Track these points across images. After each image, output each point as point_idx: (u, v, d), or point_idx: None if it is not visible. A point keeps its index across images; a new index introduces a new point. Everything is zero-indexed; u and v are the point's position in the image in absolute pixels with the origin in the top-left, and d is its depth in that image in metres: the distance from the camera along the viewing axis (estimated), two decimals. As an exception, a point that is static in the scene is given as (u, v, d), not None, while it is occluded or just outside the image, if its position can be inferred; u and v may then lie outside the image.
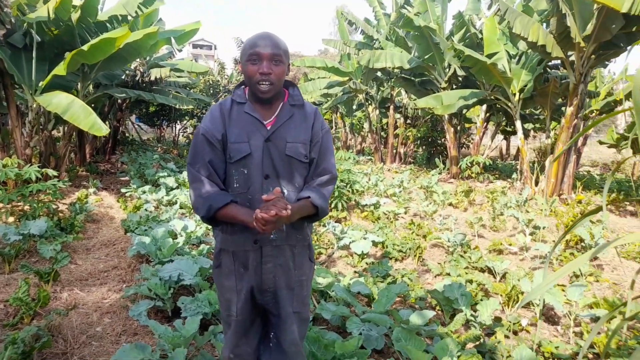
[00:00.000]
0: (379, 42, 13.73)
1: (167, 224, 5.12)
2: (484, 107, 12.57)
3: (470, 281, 3.71)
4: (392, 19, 13.53)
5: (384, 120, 17.42)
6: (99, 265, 4.31)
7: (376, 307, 2.98)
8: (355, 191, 7.40)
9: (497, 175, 12.16)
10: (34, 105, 7.54)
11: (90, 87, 10.01)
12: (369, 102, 16.24)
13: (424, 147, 16.03)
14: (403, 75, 13.42)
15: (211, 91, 17.67)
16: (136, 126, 20.37)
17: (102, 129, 6.54)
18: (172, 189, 7.93)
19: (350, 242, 4.68)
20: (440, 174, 11.98)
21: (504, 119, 14.32)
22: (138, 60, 10.79)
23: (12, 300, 2.91)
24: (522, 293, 3.46)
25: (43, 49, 7.48)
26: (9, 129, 8.00)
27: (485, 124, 13.33)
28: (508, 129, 16.88)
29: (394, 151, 15.79)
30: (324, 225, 5.41)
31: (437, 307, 3.39)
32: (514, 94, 9.86)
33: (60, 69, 6.61)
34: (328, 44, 15.69)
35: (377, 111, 16.28)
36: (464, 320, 2.87)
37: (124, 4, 7.96)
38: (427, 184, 9.01)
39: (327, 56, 32.81)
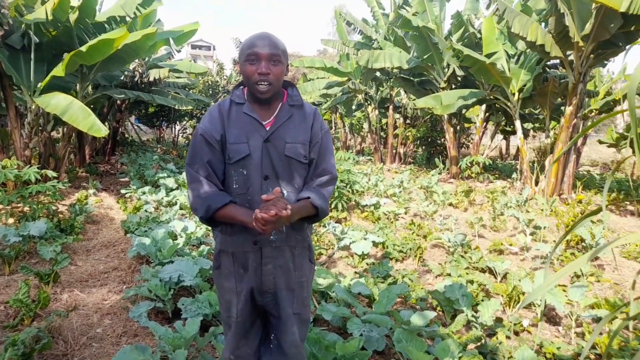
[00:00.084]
0: (378, 42, 13.73)
1: (167, 225, 5.11)
2: (484, 106, 12.57)
3: (471, 282, 3.71)
4: (391, 19, 13.53)
5: (384, 121, 17.43)
6: (99, 266, 4.30)
7: (377, 308, 2.97)
8: (355, 191, 7.39)
9: (497, 175, 12.16)
10: (33, 107, 7.53)
11: (89, 88, 10.00)
12: (368, 102, 16.23)
13: (423, 147, 16.03)
14: (402, 75, 13.42)
15: (210, 92, 17.67)
16: (135, 127, 20.35)
17: (101, 130, 6.53)
18: (172, 189, 7.92)
19: (350, 243, 4.68)
20: (440, 174, 11.97)
21: (503, 118, 14.32)
22: (137, 61, 10.79)
23: (12, 302, 2.90)
24: (523, 293, 3.45)
25: (41, 50, 7.47)
26: (8, 130, 7.99)
27: (485, 123, 13.33)
28: (507, 128, 16.88)
29: (394, 151, 15.79)
30: (324, 226, 5.40)
31: (438, 308, 3.38)
32: (513, 94, 9.86)
33: (58, 70, 6.60)
34: (327, 44, 15.70)
35: (377, 111, 16.28)
36: (465, 321, 2.86)
37: (122, 5, 7.96)
38: (427, 184, 9.00)
39: (326, 56, 32.82)
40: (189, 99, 12.71)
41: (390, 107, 15.51)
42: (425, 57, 11.38)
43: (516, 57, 10.23)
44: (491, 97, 10.57)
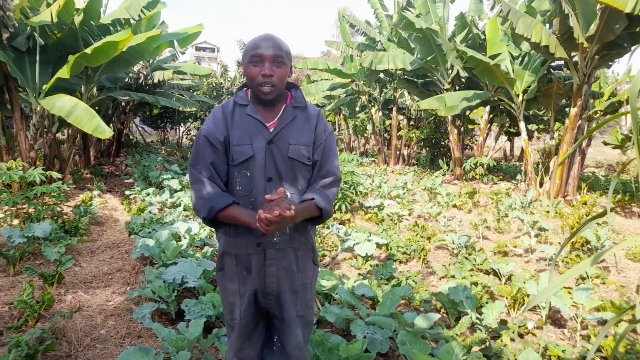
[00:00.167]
0: (381, 44, 13.73)
1: (171, 226, 5.12)
2: (488, 108, 12.54)
3: (476, 283, 3.69)
4: (394, 20, 13.53)
5: (387, 122, 17.41)
6: (103, 267, 4.31)
7: (380, 309, 2.96)
8: (359, 193, 7.38)
9: (501, 177, 12.12)
10: (38, 108, 7.56)
11: (94, 90, 10.05)
12: (372, 103, 16.23)
13: (427, 148, 16.00)
14: (406, 76, 13.41)
15: (214, 93, 17.71)
16: (140, 129, 20.43)
17: (105, 132, 6.56)
18: (176, 191, 7.94)
19: (354, 244, 4.67)
20: (444, 175, 11.95)
21: (507, 120, 14.29)
22: (141, 63, 10.82)
23: (17, 303, 2.91)
24: (528, 296, 3.43)
25: (46, 52, 7.51)
26: (13, 132, 8.03)
27: (489, 125, 13.29)
28: (512, 130, 16.83)
29: (398, 153, 15.78)
30: (328, 227, 5.39)
31: (442, 310, 3.36)
32: (518, 95, 9.82)
33: (63, 72, 6.63)
34: (330, 46, 15.70)
35: (380, 113, 16.28)
36: (469, 323, 2.84)
37: (126, 7, 7.99)
38: (431, 185, 8.98)
39: (329, 58, 32.87)
40: (193, 100, 12.74)
41: (394, 108, 15.50)
42: (429, 58, 11.36)
43: (520, 59, 10.20)
44: (495, 98, 10.54)
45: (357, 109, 19.96)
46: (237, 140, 1.62)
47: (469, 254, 4.81)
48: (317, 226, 1.90)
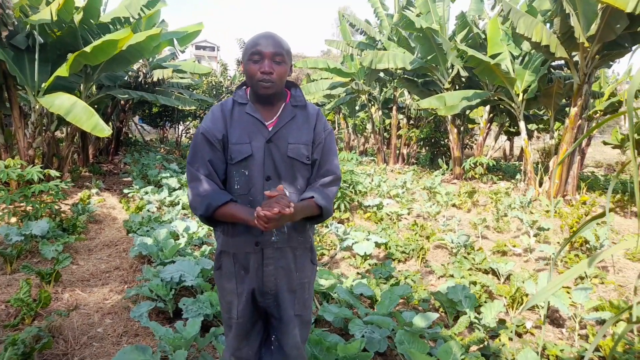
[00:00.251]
0: (382, 43, 13.71)
1: (169, 224, 5.11)
2: (488, 107, 12.53)
3: (474, 283, 3.68)
4: (395, 19, 13.52)
5: (387, 121, 17.41)
6: (101, 265, 4.30)
7: (379, 309, 2.95)
8: (358, 192, 7.37)
9: (500, 176, 12.11)
10: (37, 107, 7.55)
11: (93, 88, 10.04)
12: (372, 102, 16.22)
13: (427, 147, 16.00)
14: (406, 76, 13.40)
15: (214, 92, 17.70)
16: (139, 127, 20.42)
17: (104, 130, 6.54)
18: (174, 189, 7.92)
19: (353, 244, 4.66)
20: (443, 174, 11.94)
21: (507, 119, 14.29)
22: (141, 61, 10.81)
23: (14, 301, 2.90)
24: (527, 295, 3.42)
25: (45, 50, 7.49)
26: (12, 130, 8.01)
27: (489, 124, 13.28)
28: (512, 129, 16.84)
29: (397, 152, 15.77)
30: (327, 227, 5.39)
31: (441, 309, 3.35)
32: (518, 95, 9.81)
33: (62, 70, 6.62)
34: (330, 45, 15.68)
35: (380, 112, 16.27)
36: (467, 323, 2.84)
37: (126, 6, 7.98)
38: (431, 184, 8.97)
39: (329, 57, 32.86)
40: (193, 99, 12.73)
41: (394, 107, 15.49)
42: (429, 57, 11.35)
43: (521, 58, 10.19)
44: (495, 98, 10.53)
45: (357, 108, 19.96)
46: (235, 139, 1.61)
47: (468, 254, 4.80)
48: (316, 225, 1.89)
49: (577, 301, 3.11)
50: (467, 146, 15.16)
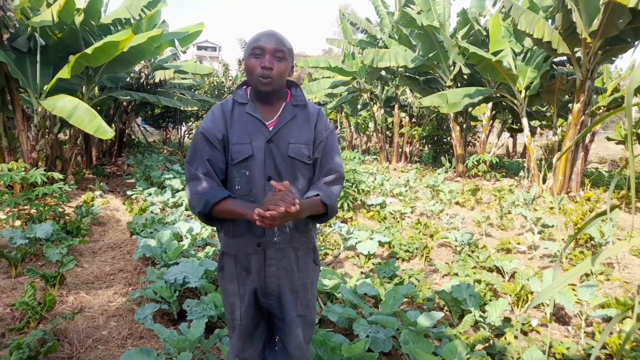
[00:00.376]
0: (383, 41, 13.68)
1: (173, 226, 5.11)
2: (490, 104, 12.50)
3: (479, 281, 3.67)
4: (396, 17, 13.49)
5: (389, 120, 17.40)
6: (105, 268, 4.31)
7: (383, 308, 2.94)
8: (361, 191, 7.36)
9: (504, 174, 12.07)
10: (40, 109, 7.57)
11: (95, 90, 10.05)
12: (374, 101, 16.19)
13: (429, 145, 15.97)
14: (407, 74, 13.37)
15: (216, 92, 17.71)
16: (142, 128, 20.45)
17: (107, 132, 6.55)
18: (177, 190, 7.93)
19: (356, 243, 4.65)
20: (446, 172, 11.92)
21: (510, 116, 14.23)
22: (142, 62, 10.82)
23: (18, 305, 2.91)
24: (532, 293, 3.41)
25: (47, 52, 7.51)
26: (15, 132, 8.04)
27: (492, 121, 13.25)
28: (514, 126, 16.79)
29: (400, 150, 15.74)
30: (330, 226, 5.38)
31: (446, 308, 3.34)
32: (520, 91, 9.78)
33: (64, 73, 6.63)
34: (332, 44, 15.67)
35: (382, 110, 16.24)
36: (472, 322, 2.83)
37: (127, 7, 7.98)
38: (434, 183, 8.95)
39: (331, 56, 32.84)
40: (195, 99, 12.74)
41: (396, 106, 15.46)
42: (430, 55, 11.32)
43: (523, 55, 10.15)
44: (498, 95, 10.49)
45: (359, 106, 19.93)
46: (236, 139, 1.61)
47: (472, 252, 4.79)
48: (319, 225, 1.88)
49: (583, 298, 3.09)
50: (470, 144, 15.13)
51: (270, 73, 1.56)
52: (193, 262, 3.49)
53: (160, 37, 7.60)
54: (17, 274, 3.95)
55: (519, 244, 5.22)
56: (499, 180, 10.94)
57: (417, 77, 13.41)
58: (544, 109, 14.41)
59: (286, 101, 1.68)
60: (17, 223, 5.25)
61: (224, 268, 1.69)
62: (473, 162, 11.20)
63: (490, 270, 4.32)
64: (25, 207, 5.28)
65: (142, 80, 11.24)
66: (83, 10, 7.52)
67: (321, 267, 3.31)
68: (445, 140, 14.87)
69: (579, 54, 8.22)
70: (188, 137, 20.20)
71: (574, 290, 3.36)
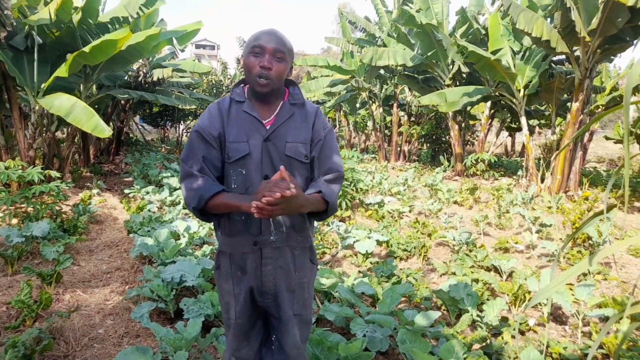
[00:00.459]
0: (382, 40, 13.67)
1: (170, 224, 5.10)
2: (489, 103, 12.50)
3: (476, 280, 3.66)
4: (394, 15, 13.48)
5: (388, 118, 17.39)
6: (102, 266, 4.29)
7: (381, 307, 2.94)
8: (359, 190, 7.36)
9: (502, 173, 12.07)
10: (37, 107, 7.54)
11: (93, 88, 10.03)
12: (373, 100, 16.18)
13: (428, 144, 15.98)
14: (406, 72, 13.36)
15: (214, 91, 17.69)
16: (140, 127, 20.42)
17: (104, 131, 6.53)
18: (175, 189, 7.92)
19: (354, 242, 4.64)
20: (444, 171, 11.92)
21: (508, 115, 14.24)
22: (140, 61, 10.79)
23: (14, 303, 2.89)
24: (529, 292, 3.40)
25: (44, 51, 7.48)
26: (12, 131, 8.01)
27: (490, 120, 13.25)
28: (513, 125, 16.80)
29: (398, 149, 15.74)
30: (328, 225, 5.37)
31: (443, 307, 3.34)
32: (519, 90, 9.78)
33: (62, 71, 6.60)
34: (330, 42, 15.66)
35: (381, 109, 16.24)
36: (470, 321, 2.82)
37: (125, 5, 7.95)
38: (432, 181, 8.95)
39: (330, 54, 32.82)
40: (193, 98, 12.71)
41: (395, 104, 15.46)
42: (429, 54, 11.31)
43: (522, 53, 10.15)
44: (496, 93, 10.49)
45: (358, 105, 19.92)
46: (233, 138, 1.59)
47: (470, 251, 4.79)
48: (316, 224, 1.87)
49: (580, 298, 3.09)
50: (469, 143, 15.13)
51: (268, 73, 1.54)
52: (190, 261, 3.48)
53: (158, 36, 7.57)
54: (13, 272, 3.94)
55: (516, 243, 5.22)
56: (497, 179, 10.95)
57: (415, 75, 13.40)
58: (542, 108, 14.41)
59: (284, 100, 1.67)
60: (14, 221, 5.23)
61: (220, 267, 1.69)
62: (471, 161, 11.21)
63: (488, 269, 4.31)
64: (22, 205, 5.26)
65: (140, 79, 11.22)
66: (81, 8, 7.49)
67: (319, 266, 3.30)
68: (443, 139, 14.87)
69: (577, 53, 8.21)
70: (186, 136, 20.18)
71: (571, 289, 3.36)
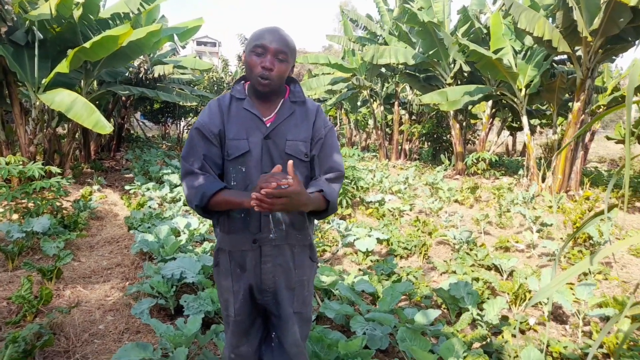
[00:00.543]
0: (383, 38, 13.64)
1: (171, 221, 5.10)
2: (490, 102, 12.47)
3: (477, 279, 3.66)
4: (395, 13, 13.45)
5: (389, 117, 17.37)
6: (102, 262, 4.30)
7: (381, 305, 2.94)
8: (360, 188, 7.35)
9: (503, 172, 12.06)
10: (38, 103, 7.53)
11: (94, 84, 10.02)
12: (374, 98, 16.16)
13: (429, 143, 15.96)
14: (407, 71, 13.34)
15: (215, 88, 17.67)
16: (141, 123, 20.40)
17: (105, 127, 6.52)
18: (176, 186, 7.92)
19: (354, 240, 4.64)
20: (445, 170, 11.91)
21: (510, 114, 14.21)
22: (141, 57, 10.78)
23: (15, 298, 2.90)
24: (530, 291, 3.40)
25: (45, 46, 7.47)
26: (13, 126, 8.01)
27: (491, 119, 13.23)
28: (514, 124, 16.76)
29: (399, 147, 15.73)
30: (329, 223, 5.37)
31: (443, 306, 3.34)
32: (520, 90, 9.76)
33: (62, 67, 6.59)
34: (332, 40, 15.64)
35: (382, 107, 16.22)
36: (470, 320, 2.82)
37: (126, 1, 7.94)
38: (433, 180, 8.95)
39: (331, 52, 32.77)
40: (194, 95, 12.70)
41: (396, 103, 15.44)
42: (430, 52, 11.29)
43: (523, 53, 10.12)
44: (498, 93, 10.47)
45: (359, 103, 19.90)
46: (233, 135, 1.59)
47: (471, 250, 4.78)
48: (317, 222, 1.86)
49: (581, 297, 3.09)
50: (470, 142, 15.10)
51: (270, 74, 1.53)
52: (190, 258, 3.48)
53: (159, 32, 7.55)
54: (13, 268, 3.94)
55: (517, 242, 5.22)
56: (498, 178, 10.94)
57: (417, 74, 13.37)
58: (544, 108, 14.38)
59: (285, 97, 1.66)
60: (15, 217, 5.24)
61: (219, 264, 1.68)
62: (472, 160, 11.19)
63: (489, 268, 4.31)
64: (23, 201, 5.26)
65: (141, 75, 11.21)
66: (81, 4, 7.47)
67: (319, 264, 3.31)
68: (444, 138, 14.85)
69: (579, 53, 8.19)
70: (187, 133, 20.16)
71: (572, 289, 3.36)
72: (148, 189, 7.47)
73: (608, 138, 14.53)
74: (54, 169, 5.67)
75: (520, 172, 10.35)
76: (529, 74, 9.55)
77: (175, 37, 10.20)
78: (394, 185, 8.75)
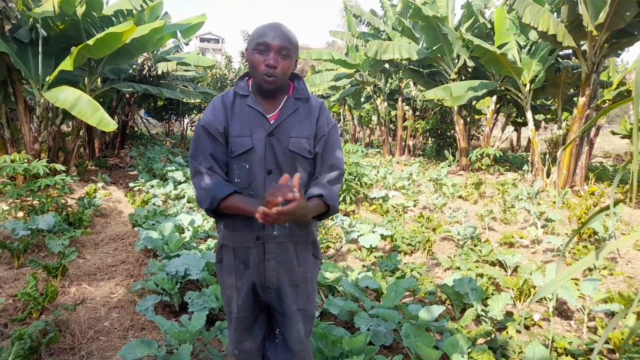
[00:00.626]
0: (386, 34, 13.59)
1: (175, 218, 5.11)
2: (494, 98, 12.42)
3: (481, 275, 3.65)
4: (399, 9, 13.38)
5: (393, 113, 17.31)
6: (107, 259, 4.31)
7: (385, 302, 2.93)
8: (363, 184, 7.34)
9: (507, 167, 12.02)
10: (42, 101, 7.56)
11: (98, 81, 10.03)
12: (377, 94, 16.12)
13: (433, 139, 15.91)
14: (411, 66, 13.28)
15: (218, 85, 17.66)
16: (145, 120, 20.43)
17: (109, 125, 6.54)
18: (180, 183, 7.94)
19: (358, 236, 4.64)
20: (449, 166, 11.88)
21: (514, 110, 14.16)
22: (145, 54, 10.78)
23: (21, 296, 2.91)
24: (534, 287, 3.39)
25: (49, 43, 7.48)
26: (17, 124, 8.04)
27: (496, 115, 13.18)
28: (519, 120, 16.69)
29: (403, 143, 15.70)
30: (333, 219, 5.37)
31: (447, 302, 3.33)
32: (525, 85, 9.70)
33: (66, 64, 6.61)
34: (335, 36, 15.58)
35: (386, 103, 16.17)
36: (474, 316, 2.81)
37: (129, -2, 7.94)
38: (437, 176, 8.92)
39: (334, 48, 32.68)
40: (197, 92, 12.70)
41: (400, 99, 15.39)
42: (434, 48, 11.24)
43: (528, 47, 10.06)
44: (502, 88, 10.42)
45: (362, 99, 19.85)
46: (236, 132, 1.58)
47: (475, 245, 4.77)
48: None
49: (586, 293, 3.07)
50: (474, 137, 15.05)
51: (274, 72, 1.52)
52: (194, 255, 3.49)
53: (163, 29, 7.55)
54: (19, 265, 3.97)
55: (522, 238, 5.20)
56: (502, 174, 10.90)
57: (420, 69, 13.32)
58: (548, 103, 14.31)
59: (288, 94, 1.65)
60: (20, 214, 5.26)
61: (222, 260, 1.68)
62: (477, 156, 11.16)
63: (493, 264, 4.30)
64: (28, 199, 5.29)
65: (144, 72, 11.19)
66: (85, 1, 7.48)
67: (323, 260, 3.31)
68: (448, 133, 14.80)
69: (584, 47, 8.13)
70: (191, 130, 20.17)
71: (576, 284, 3.34)
72: (152, 186, 7.49)
73: (613, 133, 14.48)
74: (59, 167, 5.70)
75: (525, 167, 10.31)
76: (534, 68, 9.49)
77: (179, 34, 10.21)
78: (397, 181, 8.73)
